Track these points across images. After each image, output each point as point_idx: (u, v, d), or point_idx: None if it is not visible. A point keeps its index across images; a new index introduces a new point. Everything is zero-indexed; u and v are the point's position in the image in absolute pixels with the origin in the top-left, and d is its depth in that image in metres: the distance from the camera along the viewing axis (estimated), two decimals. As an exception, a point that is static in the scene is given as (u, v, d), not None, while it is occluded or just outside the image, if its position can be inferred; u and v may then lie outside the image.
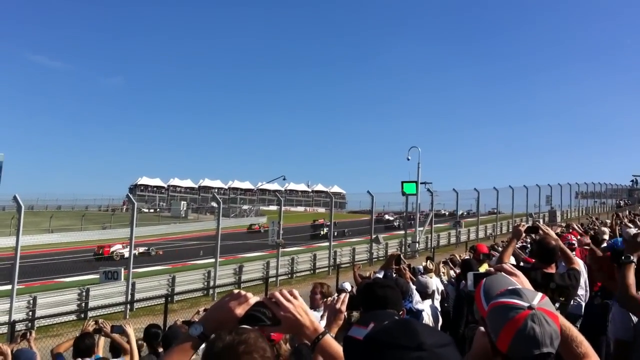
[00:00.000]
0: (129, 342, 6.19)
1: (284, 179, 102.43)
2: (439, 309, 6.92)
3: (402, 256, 7.69)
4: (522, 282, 2.57)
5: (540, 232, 5.98)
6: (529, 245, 12.90)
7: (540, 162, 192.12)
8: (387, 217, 56.94)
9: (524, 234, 6.46)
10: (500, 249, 11.99)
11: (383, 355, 1.55)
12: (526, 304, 1.93)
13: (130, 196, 25.93)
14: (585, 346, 2.31)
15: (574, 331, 2.32)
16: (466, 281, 3.45)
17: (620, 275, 3.96)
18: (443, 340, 1.58)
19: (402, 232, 39.82)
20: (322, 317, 5.63)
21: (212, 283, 24.24)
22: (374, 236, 33.33)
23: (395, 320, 1.77)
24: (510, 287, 2.14)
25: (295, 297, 2.11)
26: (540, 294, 2.01)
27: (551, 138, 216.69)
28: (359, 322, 1.93)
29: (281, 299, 2.11)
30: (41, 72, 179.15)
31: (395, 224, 54.52)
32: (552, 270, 5.47)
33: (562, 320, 2.11)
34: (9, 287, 18.41)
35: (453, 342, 1.60)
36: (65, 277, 27.26)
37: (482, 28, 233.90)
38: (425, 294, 6.73)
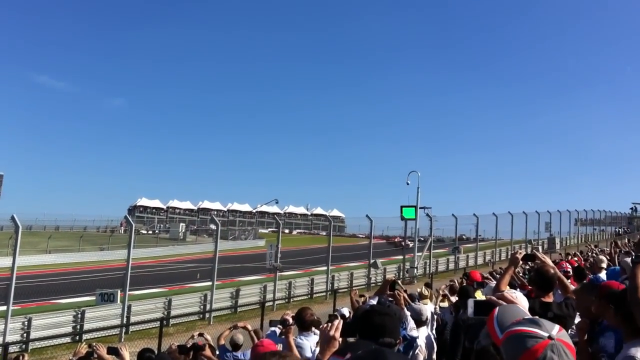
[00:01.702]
0: None
1: (277, 202, 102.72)
2: (434, 336, 6.86)
3: (397, 281, 7.64)
4: (523, 307, 2.58)
5: (537, 260, 5.97)
6: (526, 273, 12.86)
7: (540, 188, 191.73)
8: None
9: (521, 262, 6.43)
10: (498, 275, 11.96)
11: None
12: (546, 334, 1.93)
13: (129, 217, 25.90)
14: None
15: None
16: (464, 308, 3.43)
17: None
18: None
19: (401, 257, 39.66)
20: (318, 343, 5.59)
21: (208, 307, 24.08)
22: (372, 261, 33.22)
23: (369, 349, 1.77)
24: (527, 317, 2.15)
25: None
26: (557, 326, 2.02)
27: (551, 164, 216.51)
28: (337, 351, 1.94)
29: None
30: (44, 93, 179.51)
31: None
32: (549, 299, 5.45)
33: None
34: (4, 307, 18.30)
35: None
36: (62, 299, 27.12)
37: (482, 54, 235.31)
38: (420, 321, 6.66)
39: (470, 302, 3.39)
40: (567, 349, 1.91)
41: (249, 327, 9.37)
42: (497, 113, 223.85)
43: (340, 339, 3.03)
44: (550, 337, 1.91)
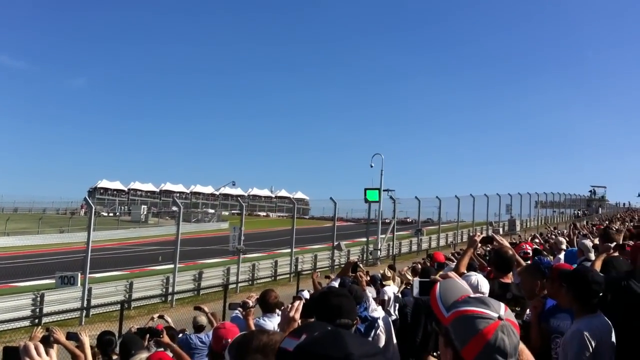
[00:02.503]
0: (82, 350, 6.02)
1: (234, 184, 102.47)
2: (393, 317, 6.92)
3: (359, 264, 7.68)
4: (469, 290, 2.59)
5: (495, 242, 6.08)
6: (486, 255, 13.04)
7: (501, 171, 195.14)
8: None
9: (479, 244, 6.53)
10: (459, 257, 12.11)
11: None
12: (495, 315, 1.91)
13: (88, 199, 25.52)
14: (527, 354, 2.37)
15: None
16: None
17: None
18: (372, 350, 1.57)
19: (365, 239, 39.92)
20: (279, 325, 5.57)
21: (170, 289, 23.94)
22: (335, 243, 33.36)
23: (325, 331, 1.76)
24: (473, 295, 2.12)
25: (39, 354, 2.08)
26: (503, 304, 2.00)
27: (512, 148, 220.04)
28: (292, 333, 1.92)
29: (32, 351, 2.07)
30: (2, 72, 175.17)
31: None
32: (508, 280, 5.53)
33: None
34: (-41, 291, 17.94)
35: (382, 352, 1.60)
36: (21, 282, 26.65)
37: (445, 39, 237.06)
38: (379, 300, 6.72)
39: (416, 282, 3.40)
40: (514, 329, 1.91)
41: (206, 309, 9.34)
42: (460, 97, 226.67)
43: (300, 321, 3.02)
44: (500, 318, 1.89)
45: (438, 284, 2.43)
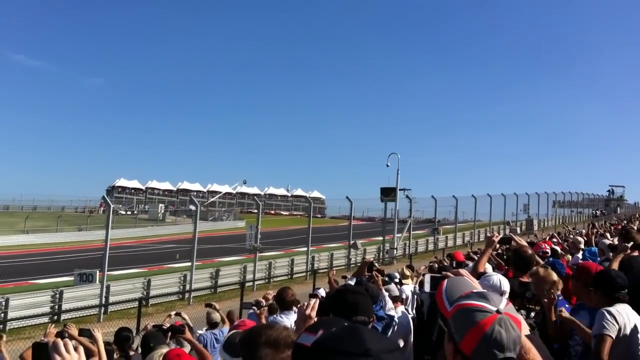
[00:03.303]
0: (96, 346, 6.08)
1: (245, 183, 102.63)
2: (411, 315, 6.92)
3: (375, 263, 7.70)
4: (475, 285, 2.61)
5: (513, 242, 6.08)
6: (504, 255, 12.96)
7: (519, 170, 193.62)
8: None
9: (497, 244, 6.54)
10: (476, 256, 12.05)
11: None
12: (494, 308, 1.93)
13: (107, 198, 25.67)
14: (534, 353, 2.34)
15: (522, 337, 2.34)
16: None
17: None
18: (390, 346, 1.58)
19: (381, 238, 39.85)
20: (295, 322, 5.61)
21: (187, 287, 24.07)
22: (352, 242, 33.35)
23: (343, 326, 1.77)
24: (476, 290, 2.15)
25: (68, 352, 2.11)
26: (505, 299, 2.04)
27: (530, 147, 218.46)
28: (309, 329, 1.93)
29: (61, 348, 2.09)
30: (21, 72, 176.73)
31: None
32: (527, 279, 5.53)
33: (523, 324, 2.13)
34: (-19, 288, 18.17)
35: (399, 349, 1.60)
36: (40, 279, 26.94)
37: (464, 37, 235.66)
38: (397, 298, 6.73)
39: (427, 277, 3.41)
40: (514, 323, 1.92)
41: (217, 306, 9.44)
42: (477, 96, 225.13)
43: (316, 318, 3.03)
44: (498, 311, 1.91)
45: (445, 280, 2.46)
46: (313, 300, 3.07)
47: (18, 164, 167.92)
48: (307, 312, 2.93)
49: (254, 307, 7.32)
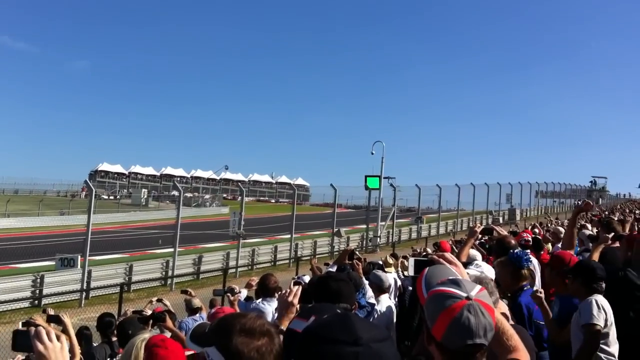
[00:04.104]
0: (67, 332, 6.01)
1: (227, 168, 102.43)
2: (395, 304, 6.96)
3: (356, 251, 7.74)
4: (461, 272, 2.62)
5: (495, 233, 6.14)
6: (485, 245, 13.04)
7: (502, 161, 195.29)
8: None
9: (479, 235, 6.60)
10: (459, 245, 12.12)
11: (319, 349, 1.55)
12: (464, 294, 1.95)
13: (89, 182, 25.50)
14: (516, 339, 2.37)
15: (505, 324, 2.40)
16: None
17: None
18: (380, 335, 1.58)
19: (364, 226, 39.94)
20: (276, 309, 5.62)
21: (170, 273, 24.01)
22: (335, 229, 33.42)
23: (335, 314, 1.77)
24: (450, 277, 2.16)
25: (50, 340, 2.09)
26: (479, 286, 2.05)
27: (514, 137, 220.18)
28: (300, 314, 1.93)
29: (43, 336, 2.09)
30: (5, 53, 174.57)
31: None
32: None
33: (496, 313, 2.14)
34: (-40, 271, 18.01)
35: (390, 338, 1.61)
36: (21, 263, 26.74)
37: (449, 26, 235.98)
38: (382, 287, 6.75)
39: (411, 261, 3.42)
40: (485, 309, 1.94)
41: (193, 292, 9.45)
42: (461, 86, 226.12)
43: (298, 305, 3.03)
44: (468, 297, 1.93)
45: (426, 268, 2.47)
46: (295, 288, 3.07)
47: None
48: (290, 299, 2.93)
49: (228, 294, 7.33)
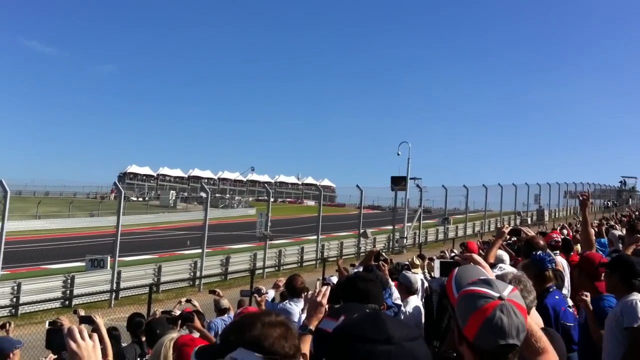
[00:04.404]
0: (100, 332, 6.09)
1: (253, 170, 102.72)
2: (422, 305, 6.95)
3: (382, 252, 7.73)
4: (489, 273, 2.61)
5: (523, 234, 6.08)
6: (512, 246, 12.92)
7: (530, 161, 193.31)
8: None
9: (507, 235, 6.54)
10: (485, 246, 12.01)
11: (351, 348, 1.54)
12: (496, 294, 1.94)
13: (118, 184, 25.85)
14: (544, 341, 2.36)
15: (534, 326, 2.37)
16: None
17: None
18: (412, 334, 1.58)
19: (391, 227, 39.79)
20: (303, 310, 5.65)
21: (198, 274, 24.20)
22: (361, 230, 33.33)
23: (365, 313, 1.76)
24: (482, 277, 2.15)
25: (83, 338, 2.11)
26: (511, 286, 2.03)
27: (542, 137, 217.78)
28: (330, 314, 1.92)
29: (76, 335, 2.10)
30: (34, 58, 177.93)
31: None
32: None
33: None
34: (-7, 272, 18.34)
35: (422, 336, 1.60)
36: (51, 264, 27.15)
37: (476, 26, 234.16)
38: (411, 288, 6.74)
39: (437, 263, 3.42)
40: (518, 310, 1.92)
41: (221, 292, 9.52)
42: (488, 86, 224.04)
43: (327, 306, 3.04)
44: (500, 298, 1.92)
45: (456, 268, 2.47)
46: (324, 288, 3.08)
47: (30, 150, 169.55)
48: (319, 299, 2.94)
49: (255, 295, 7.38)
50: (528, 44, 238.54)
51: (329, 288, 3.13)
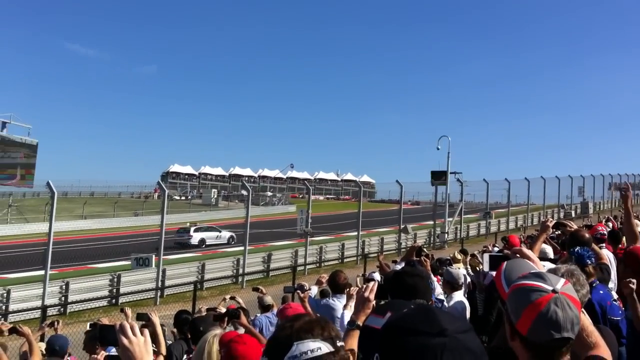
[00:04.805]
0: (155, 330, 6.23)
1: (292, 167, 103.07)
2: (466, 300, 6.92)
3: (423, 248, 7.72)
4: (538, 267, 2.58)
5: (568, 228, 5.98)
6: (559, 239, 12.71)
7: (573, 152, 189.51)
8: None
9: (551, 229, 6.45)
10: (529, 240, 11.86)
11: (405, 342, 1.54)
12: (550, 288, 1.93)
13: (162, 183, 26.26)
14: (596, 336, 2.32)
15: (585, 321, 2.33)
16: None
17: None
18: (464, 326, 1.58)
19: (431, 222, 39.53)
20: (345, 306, 5.69)
21: (241, 271, 24.44)
22: (402, 226, 33.20)
23: (416, 307, 1.77)
24: (533, 271, 2.14)
25: (135, 334, 2.15)
26: (563, 279, 2.01)
27: (585, 128, 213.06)
28: (376, 311, 1.93)
29: (128, 331, 2.15)
30: (76, 61, 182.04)
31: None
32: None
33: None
34: (42, 272, 18.80)
35: (473, 329, 1.60)
36: (98, 263, 27.76)
37: (511, 20, 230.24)
38: (455, 284, 6.72)
39: (486, 257, 3.41)
40: (572, 302, 1.91)
41: (264, 290, 9.59)
42: (529, 79, 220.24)
43: (374, 301, 3.06)
44: (554, 291, 1.90)
45: (505, 262, 2.46)
46: (372, 283, 3.10)
47: (76, 151, 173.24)
48: (366, 294, 2.96)
49: (298, 291, 7.44)
50: (569, 35, 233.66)
51: (376, 283, 3.15)
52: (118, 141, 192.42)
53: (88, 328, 7.49)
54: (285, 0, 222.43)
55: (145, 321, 6.48)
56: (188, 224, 42.10)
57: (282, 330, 1.82)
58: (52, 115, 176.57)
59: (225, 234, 40.17)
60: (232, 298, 9.55)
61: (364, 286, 3.12)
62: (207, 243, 37.93)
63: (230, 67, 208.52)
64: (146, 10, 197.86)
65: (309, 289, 7.60)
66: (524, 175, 47.05)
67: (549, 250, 6.51)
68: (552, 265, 4.82)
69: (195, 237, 38.19)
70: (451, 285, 6.68)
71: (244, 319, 6.34)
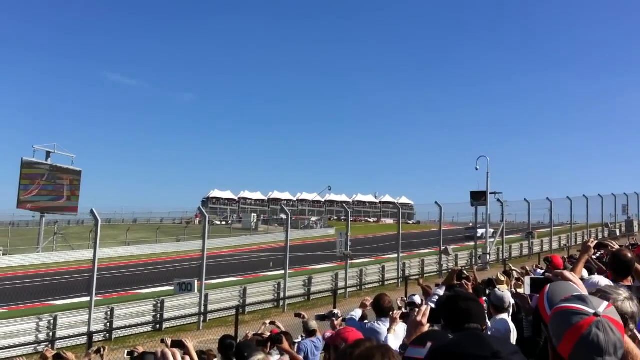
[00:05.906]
0: (190, 357, 6.31)
1: (330, 189, 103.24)
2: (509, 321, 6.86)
3: (464, 271, 7.73)
4: (582, 289, 2.58)
5: (610, 248, 5.91)
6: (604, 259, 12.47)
7: (616, 170, 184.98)
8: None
9: (593, 250, 6.38)
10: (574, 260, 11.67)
11: None
12: (592, 311, 1.92)
13: (202, 209, 26.57)
14: (637, 354, 2.25)
15: (630, 344, 2.28)
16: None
17: None
18: (513, 348, 1.61)
19: (472, 243, 39.11)
20: (389, 329, 5.71)
21: (282, 294, 24.48)
22: (443, 247, 32.94)
23: (462, 333, 1.80)
24: (575, 294, 2.15)
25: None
26: (606, 302, 2.00)
27: (628, 145, 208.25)
28: (414, 342, 1.95)
29: (170, 357, 2.22)
30: (117, 90, 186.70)
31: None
32: (628, 283, 5.35)
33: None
34: (87, 298, 19.05)
35: (520, 351, 1.62)
36: (142, 289, 28.09)
37: (548, 34, 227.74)
38: (501, 307, 6.67)
39: (527, 280, 3.42)
40: (614, 326, 1.89)
41: (306, 315, 9.60)
42: (567, 94, 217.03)
43: (427, 325, 3.09)
44: (596, 314, 1.89)
45: (548, 285, 2.46)
46: (424, 307, 3.14)
47: (117, 179, 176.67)
48: (419, 318, 2.99)
49: (332, 318, 7.50)
50: (605, 48, 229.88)
51: (429, 307, 3.18)
52: (160, 168, 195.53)
53: (126, 356, 7.64)
54: (321, 20, 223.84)
55: (179, 348, 6.61)
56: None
57: (342, 357, 1.87)
58: (94, 144, 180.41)
59: None
60: (272, 323, 9.63)
61: (416, 310, 3.16)
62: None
63: (266, 91, 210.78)
64: (178, 37, 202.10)
65: (341, 317, 7.65)
66: (566, 194, 46.36)
67: (585, 274, 6.41)
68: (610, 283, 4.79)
69: None
70: (496, 308, 6.63)
71: (286, 344, 6.39)
